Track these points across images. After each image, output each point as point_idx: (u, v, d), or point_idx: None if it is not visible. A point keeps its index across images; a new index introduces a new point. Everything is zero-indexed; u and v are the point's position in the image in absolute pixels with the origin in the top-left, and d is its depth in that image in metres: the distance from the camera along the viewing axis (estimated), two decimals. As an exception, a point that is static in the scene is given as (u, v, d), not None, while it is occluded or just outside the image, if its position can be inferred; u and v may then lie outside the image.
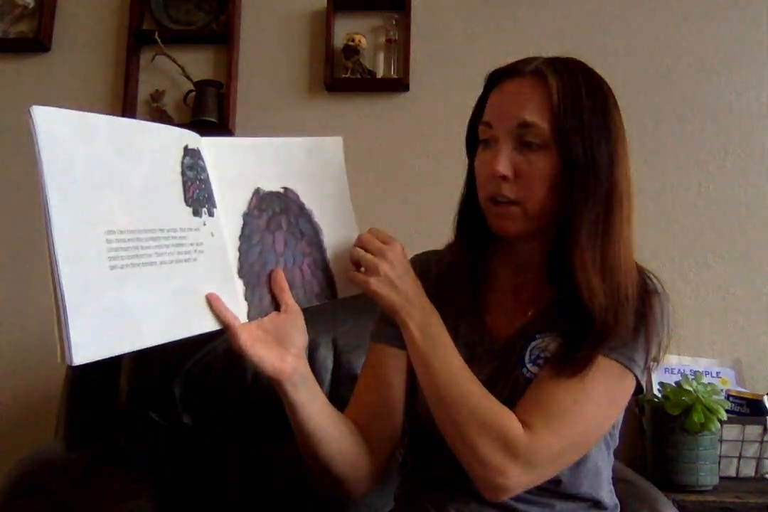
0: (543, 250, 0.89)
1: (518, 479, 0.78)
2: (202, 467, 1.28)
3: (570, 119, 0.81)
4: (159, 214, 0.66)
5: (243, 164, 0.77)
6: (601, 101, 0.84)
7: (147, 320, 0.63)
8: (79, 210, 0.58)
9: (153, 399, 1.30)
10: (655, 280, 0.87)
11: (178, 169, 0.68)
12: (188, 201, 0.69)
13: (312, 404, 0.82)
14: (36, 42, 1.94)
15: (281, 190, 0.81)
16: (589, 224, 0.81)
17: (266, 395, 1.32)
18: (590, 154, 0.80)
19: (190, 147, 0.70)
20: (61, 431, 1.34)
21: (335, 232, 0.87)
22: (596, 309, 0.80)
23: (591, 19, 1.92)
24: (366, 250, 0.81)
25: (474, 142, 0.90)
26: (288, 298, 0.79)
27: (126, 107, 1.91)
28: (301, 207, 0.82)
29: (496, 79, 0.89)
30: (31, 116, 0.57)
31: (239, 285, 0.75)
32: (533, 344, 0.87)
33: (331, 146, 0.87)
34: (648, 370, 0.88)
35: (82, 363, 0.56)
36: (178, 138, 0.69)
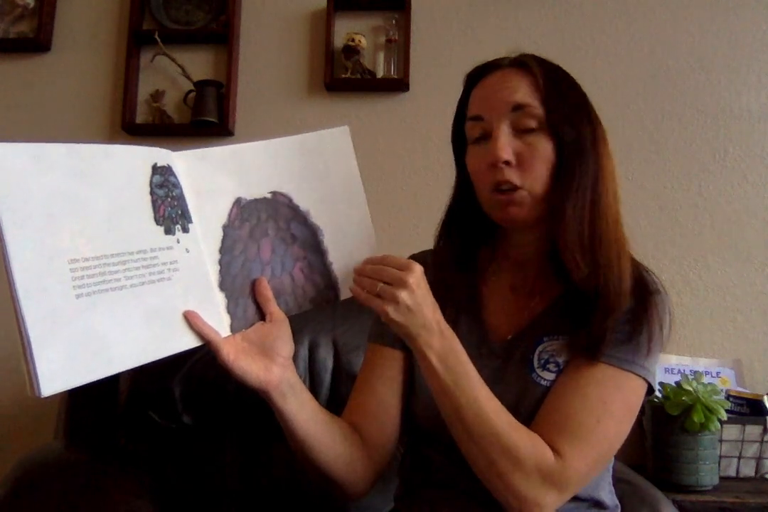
0: (541, 242, 0.89)
1: (552, 505, 0.78)
2: (202, 467, 1.28)
3: (558, 101, 0.83)
4: (126, 237, 0.65)
5: (220, 175, 0.75)
6: (578, 88, 0.88)
7: (119, 344, 0.64)
8: (38, 242, 0.58)
9: (153, 399, 1.30)
10: (656, 280, 0.87)
11: (147, 189, 0.68)
12: (159, 220, 0.69)
13: (301, 412, 0.82)
14: (36, 42, 1.94)
15: (268, 196, 0.79)
16: (577, 201, 0.82)
17: (266, 395, 1.32)
18: (577, 134, 0.83)
19: (159, 165, 0.70)
20: (61, 431, 1.34)
21: (340, 229, 0.84)
22: (585, 283, 0.81)
23: (591, 19, 1.93)
24: (383, 281, 0.75)
25: (461, 145, 0.91)
26: (272, 307, 0.79)
27: (126, 107, 1.91)
28: (295, 209, 0.80)
29: (476, 76, 0.90)
30: None
31: (221, 299, 0.75)
32: (541, 348, 0.87)
33: (337, 137, 0.83)
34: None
35: (50, 395, 0.57)
36: (145, 158, 0.69)
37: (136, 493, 1.10)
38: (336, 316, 1.36)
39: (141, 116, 1.95)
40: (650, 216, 1.85)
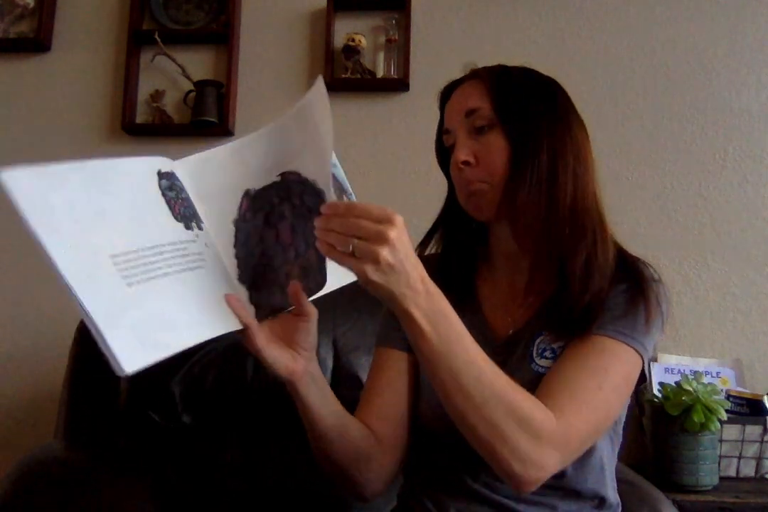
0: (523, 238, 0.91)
1: (553, 469, 0.76)
2: (202, 467, 1.28)
3: (505, 97, 0.88)
4: (154, 231, 0.67)
5: (224, 175, 0.75)
6: (535, 80, 0.92)
7: (178, 324, 0.66)
8: (76, 243, 0.61)
9: (153, 399, 1.30)
10: (651, 269, 0.90)
11: (158, 191, 0.69)
12: (177, 217, 0.70)
13: (323, 405, 0.82)
14: (36, 42, 1.94)
15: (278, 179, 0.77)
16: (531, 189, 0.85)
17: (266, 395, 1.32)
18: (531, 127, 0.87)
19: (163, 171, 0.71)
20: (61, 431, 1.34)
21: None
22: (544, 258, 0.86)
23: (591, 20, 1.92)
24: (357, 236, 0.66)
25: (446, 158, 0.96)
26: (304, 302, 0.77)
27: (126, 107, 1.91)
28: (304, 183, 0.76)
29: (446, 96, 0.97)
30: (1, 181, 0.60)
31: (242, 291, 0.75)
32: (539, 340, 0.88)
33: (317, 95, 0.75)
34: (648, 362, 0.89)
35: (135, 371, 0.61)
36: (149, 165, 0.70)
37: (136, 493, 1.11)
38: (336, 316, 1.36)
39: (141, 116, 1.95)
40: (650, 216, 1.85)
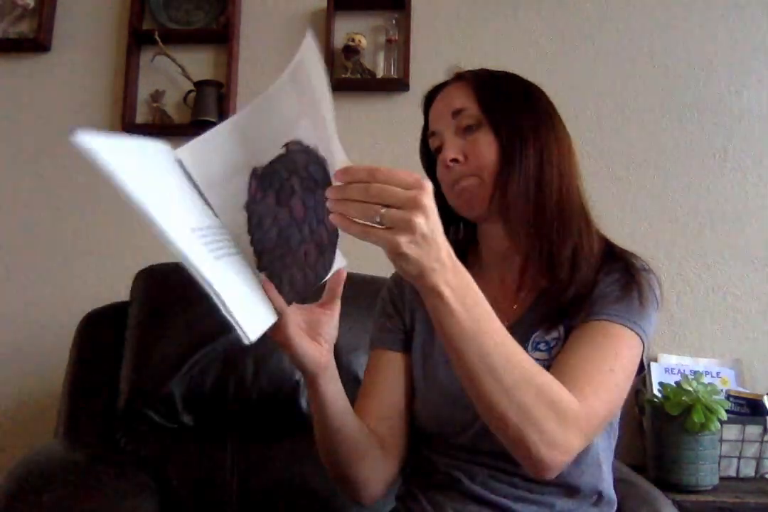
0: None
1: (576, 451, 0.74)
2: (202, 467, 1.27)
3: (491, 97, 0.91)
4: (199, 214, 0.64)
5: (226, 157, 0.70)
6: (517, 82, 0.95)
7: (259, 300, 0.67)
8: (168, 216, 0.57)
9: (153, 399, 1.30)
10: (642, 261, 0.91)
11: (185, 176, 0.66)
12: (209, 204, 0.68)
13: (339, 401, 0.82)
14: (36, 42, 1.94)
15: (283, 151, 0.70)
16: (519, 183, 0.87)
17: (266, 395, 1.32)
18: (516, 124, 0.89)
19: (176, 158, 0.67)
20: (61, 431, 1.34)
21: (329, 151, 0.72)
22: (534, 253, 0.88)
23: (591, 20, 1.92)
24: (385, 204, 0.59)
25: (430, 162, 0.97)
26: (340, 290, 0.77)
27: (126, 107, 1.91)
28: (307, 150, 0.70)
29: (430, 99, 0.98)
30: (91, 149, 0.52)
31: (265, 279, 0.71)
32: (535, 335, 0.89)
33: (308, 53, 0.71)
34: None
35: (257, 338, 0.60)
36: (167, 149, 0.66)
37: (136, 493, 1.11)
38: (336, 316, 1.36)
39: (141, 116, 1.95)
40: (650, 216, 1.85)
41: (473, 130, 0.90)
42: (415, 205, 0.59)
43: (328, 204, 0.62)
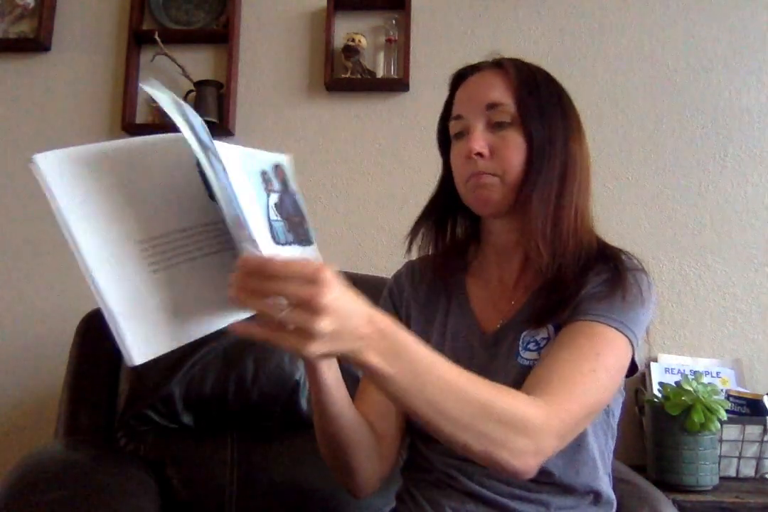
0: (518, 234, 0.92)
1: (551, 452, 0.74)
2: (202, 467, 1.27)
3: (530, 98, 0.89)
4: (189, 213, 0.66)
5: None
6: (554, 87, 0.93)
7: (198, 312, 0.66)
8: (104, 233, 0.60)
9: (153, 399, 1.30)
10: (635, 260, 0.91)
11: (196, 169, 0.68)
12: (213, 196, 0.68)
13: (339, 388, 0.83)
14: (36, 42, 1.94)
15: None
16: (543, 192, 0.87)
17: (266, 395, 1.32)
18: (548, 129, 0.88)
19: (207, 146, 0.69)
20: (61, 431, 1.33)
21: None
22: (547, 270, 0.86)
23: (591, 20, 1.92)
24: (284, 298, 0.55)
25: (446, 142, 0.97)
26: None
27: (126, 107, 1.91)
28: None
29: (460, 78, 0.96)
30: (34, 164, 0.57)
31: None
32: (525, 333, 0.89)
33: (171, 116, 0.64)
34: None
35: (143, 362, 0.60)
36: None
37: (136, 493, 1.10)
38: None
39: (141, 116, 1.95)
40: (650, 216, 1.85)
41: (504, 126, 0.88)
42: (314, 309, 0.54)
43: (229, 292, 0.57)
